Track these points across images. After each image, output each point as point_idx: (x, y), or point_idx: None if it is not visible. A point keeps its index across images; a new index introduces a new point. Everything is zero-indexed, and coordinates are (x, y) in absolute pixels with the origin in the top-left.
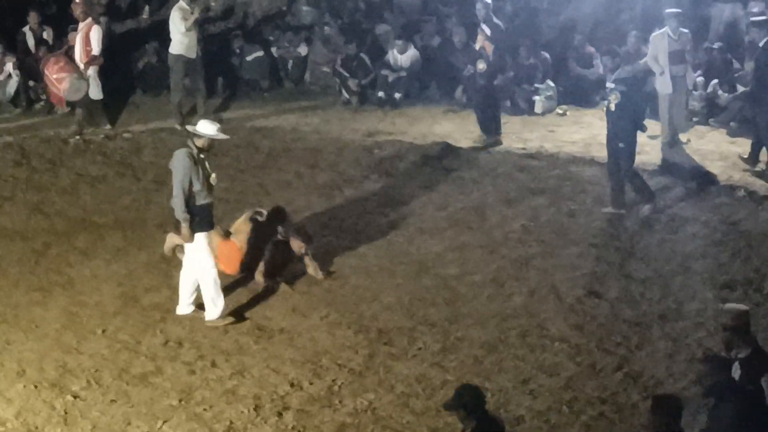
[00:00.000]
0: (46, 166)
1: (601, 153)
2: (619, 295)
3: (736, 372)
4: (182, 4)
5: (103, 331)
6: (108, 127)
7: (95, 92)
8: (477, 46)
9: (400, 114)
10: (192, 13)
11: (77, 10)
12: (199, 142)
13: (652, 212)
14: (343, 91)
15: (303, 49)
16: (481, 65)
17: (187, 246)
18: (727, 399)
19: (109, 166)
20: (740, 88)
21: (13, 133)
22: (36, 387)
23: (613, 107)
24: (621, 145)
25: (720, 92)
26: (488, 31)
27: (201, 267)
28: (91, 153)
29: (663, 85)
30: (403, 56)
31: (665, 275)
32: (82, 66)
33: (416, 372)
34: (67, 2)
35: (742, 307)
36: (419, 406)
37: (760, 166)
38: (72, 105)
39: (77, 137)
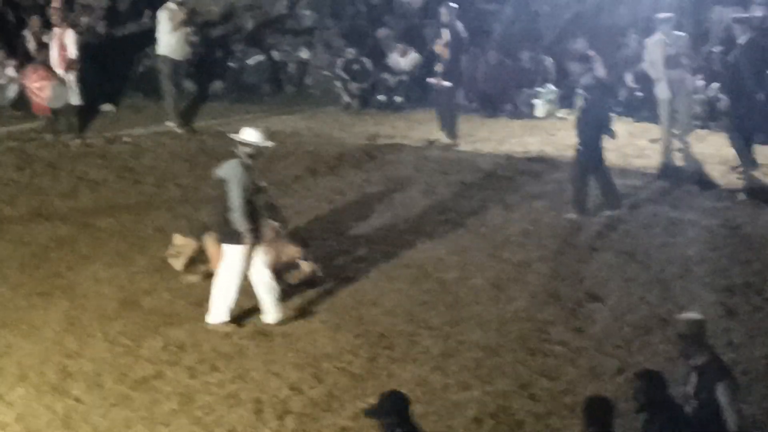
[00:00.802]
0: (46, 169)
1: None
2: (619, 299)
3: (692, 381)
4: (170, 4)
5: (104, 335)
6: (78, 140)
7: (75, 98)
8: (436, 50)
9: (400, 117)
10: (179, 14)
11: (54, 15)
12: (247, 151)
13: (615, 217)
14: (344, 95)
15: (304, 53)
16: (438, 68)
17: (229, 253)
18: (661, 415)
19: (110, 169)
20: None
21: (14, 137)
22: (37, 391)
23: (579, 112)
24: (586, 149)
25: (720, 96)
26: (447, 37)
27: (232, 273)
28: (92, 157)
29: (662, 91)
30: (403, 60)
31: (666, 279)
32: (59, 72)
33: (417, 376)
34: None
35: (698, 316)
36: (420, 410)
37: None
38: (55, 112)
39: (77, 140)
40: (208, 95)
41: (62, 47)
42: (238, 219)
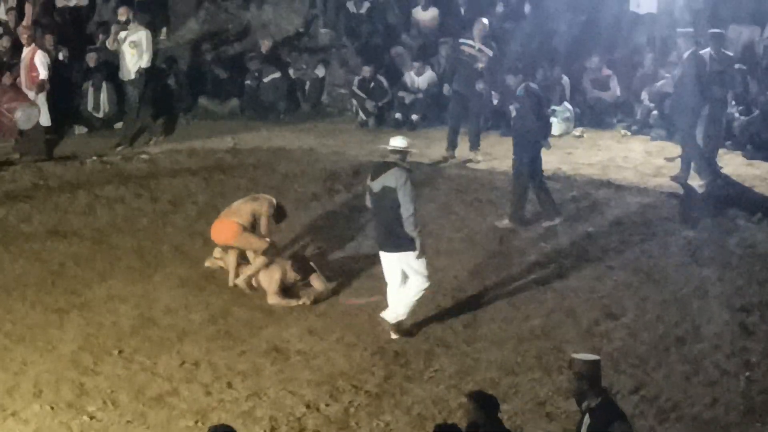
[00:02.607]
0: (63, 187)
1: (619, 175)
2: (635, 318)
3: (584, 423)
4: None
5: (120, 352)
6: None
7: (43, 119)
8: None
9: (417, 136)
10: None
11: (23, 35)
12: (402, 157)
13: (554, 227)
14: (360, 113)
15: (320, 71)
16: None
17: (417, 263)
18: None
19: (126, 187)
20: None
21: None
22: (52, 408)
23: (513, 123)
24: (524, 159)
25: (736, 114)
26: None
27: (423, 278)
28: (108, 174)
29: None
30: (420, 78)
31: (682, 298)
32: (28, 93)
33: (433, 394)
34: (82, 23)
35: (593, 356)
36: None
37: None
38: (24, 134)
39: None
40: (224, 113)
41: (32, 68)
42: (414, 224)
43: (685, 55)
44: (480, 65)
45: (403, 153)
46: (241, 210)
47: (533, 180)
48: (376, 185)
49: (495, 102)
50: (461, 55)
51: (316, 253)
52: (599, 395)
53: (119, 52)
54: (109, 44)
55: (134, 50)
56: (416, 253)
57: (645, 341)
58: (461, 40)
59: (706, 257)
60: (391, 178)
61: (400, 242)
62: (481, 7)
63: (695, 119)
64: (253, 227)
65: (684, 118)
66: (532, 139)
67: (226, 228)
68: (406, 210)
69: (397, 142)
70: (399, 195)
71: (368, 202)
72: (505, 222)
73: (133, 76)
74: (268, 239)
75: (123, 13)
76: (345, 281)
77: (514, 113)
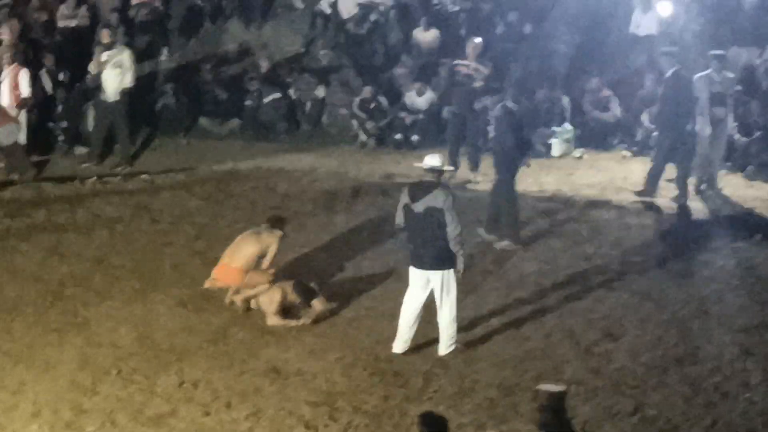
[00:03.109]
0: (63, 207)
1: (619, 196)
2: (635, 339)
3: None
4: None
5: (119, 372)
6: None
7: (21, 136)
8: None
9: (417, 156)
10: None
11: (5, 54)
12: (439, 176)
13: (510, 248)
14: (361, 134)
15: (320, 92)
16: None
17: (453, 280)
18: None
19: (126, 207)
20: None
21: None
22: (51, 428)
23: (492, 143)
24: (499, 178)
25: (736, 136)
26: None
27: (455, 296)
28: (108, 194)
29: (703, 127)
30: (420, 98)
31: (682, 318)
32: (11, 111)
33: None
34: (85, 44)
35: (559, 387)
36: None
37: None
38: (4, 151)
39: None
40: (224, 134)
41: (15, 86)
42: (461, 242)
43: (668, 74)
44: (477, 84)
45: (439, 172)
46: (246, 254)
47: (507, 199)
48: (419, 206)
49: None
50: (457, 75)
51: (315, 273)
52: (564, 428)
53: (102, 73)
54: (93, 67)
55: (118, 70)
56: (458, 269)
57: (644, 362)
58: (456, 61)
59: (705, 278)
60: (436, 199)
61: (443, 260)
62: (481, 28)
63: (677, 137)
64: (259, 262)
65: (665, 136)
66: (510, 158)
67: (231, 275)
68: (454, 229)
69: (434, 161)
70: (447, 216)
71: (400, 221)
72: (505, 243)
73: (118, 97)
74: (272, 271)
75: (106, 36)
76: (344, 301)
77: (492, 133)
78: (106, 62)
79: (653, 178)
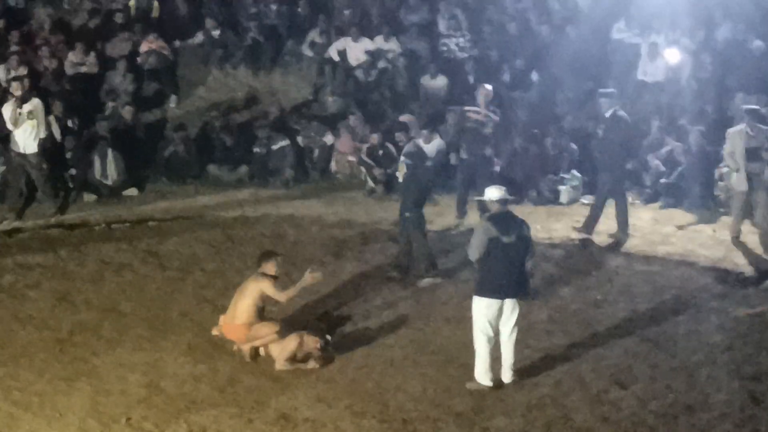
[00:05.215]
0: (71, 253)
1: (627, 243)
2: (644, 386)
3: None
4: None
5: (128, 420)
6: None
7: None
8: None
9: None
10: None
11: (15, 90)
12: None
13: (432, 284)
14: (369, 181)
15: (329, 139)
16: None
17: (515, 312)
18: None
19: (135, 253)
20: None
21: (40, 220)
22: None
23: (401, 178)
24: (407, 215)
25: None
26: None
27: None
28: (117, 240)
29: (739, 183)
30: (428, 146)
31: (691, 366)
32: None
33: None
34: (93, 91)
35: None
36: None
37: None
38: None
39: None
40: (232, 180)
41: None
42: (529, 272)
43: (607, 114)
44: (487, 130)
45: (506, 201)
46: (245, 307)
47: (416, 235)
48: (511, 236)
49: (497, 168)
50: (467, 122)
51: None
52: None
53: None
54: (11, 122)
55: (33, 121)
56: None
57: (654, 410)
58: (466, 108)
59: (714, 325)
60: (525, 227)
61: (523, 286)
62: (488, 75)
63: (617, 177)
64: (261, 311)
65: (605, 176)
66: (420, 194)
67: (235, 331)
68: (533, 254)
69: (502, 192)
70: (530, 243)
71: (478, 253)
72: (428, 279)
73: (36, 149)
74: (277, 323)
75: (17, 88)
76: (353, 348)
77: (400, 168)
78: (21, 115)
79: (593, 219)
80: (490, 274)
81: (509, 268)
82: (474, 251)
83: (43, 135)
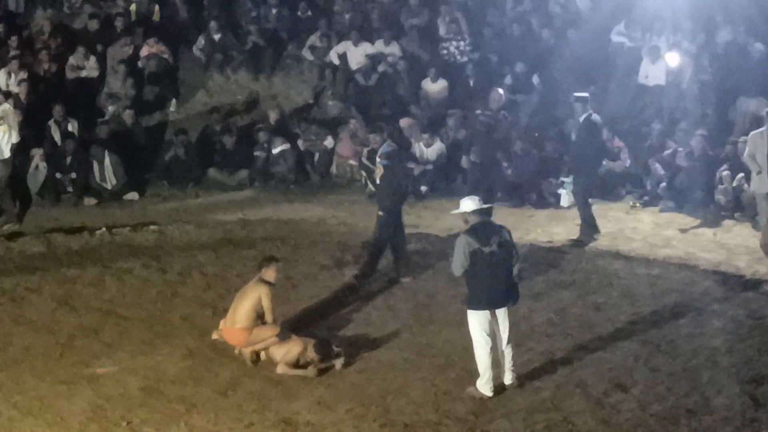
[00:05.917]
0: (72, 258)
1: (628, 246)
2: (645, 389)
3: None
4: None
5: (128, 424)
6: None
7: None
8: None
9: (425, 207)
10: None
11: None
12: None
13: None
14: (369, 184)
15: (329, 142)
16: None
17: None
18: None
19: (135, 258)
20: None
21: (40, 225)
22: None
23: (378, 179)
24: (381, 213)
25: (745, 186)
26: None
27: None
28: (117, 245)
29: (761, 185)
30: (429, 149)
31: (692, 369)
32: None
33: None
34: (92, 96)
35: None
36: None
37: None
38: None
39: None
40: (233, 184)
41: None
42: (516, 276)
43: (581, 119)
44: (499, 135)
45: (489, 211)
46: (244, 311)
47: (394, 235)
48: (492, 245)
49: (509, 171)
50: (479, 125)
51: (326, 327)
52: None
53: None
54: None
55: (4, 127)
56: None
57: (655, 413)
58: (478, 111)
59: (715, 328)
60: (504, 233)
61: (512, 293)
62: (490, 79)
63: (590, 180)
64: (261, 315)
65: (578, 179)
66: (397, 195)
67: (235, 336)
68: (518, 258)
69: (477, 202)
70: (514, 248)
71: (461, 268)
72: (408, 279)
73: (7, 155)
74: (277, 327)
75: None
76: (354, 353)
77: (378, 169)
78: None
79: (589, 221)
80: (479, 287)
81: (497, 278)
82: (457, 267)
83: (15, 140)
